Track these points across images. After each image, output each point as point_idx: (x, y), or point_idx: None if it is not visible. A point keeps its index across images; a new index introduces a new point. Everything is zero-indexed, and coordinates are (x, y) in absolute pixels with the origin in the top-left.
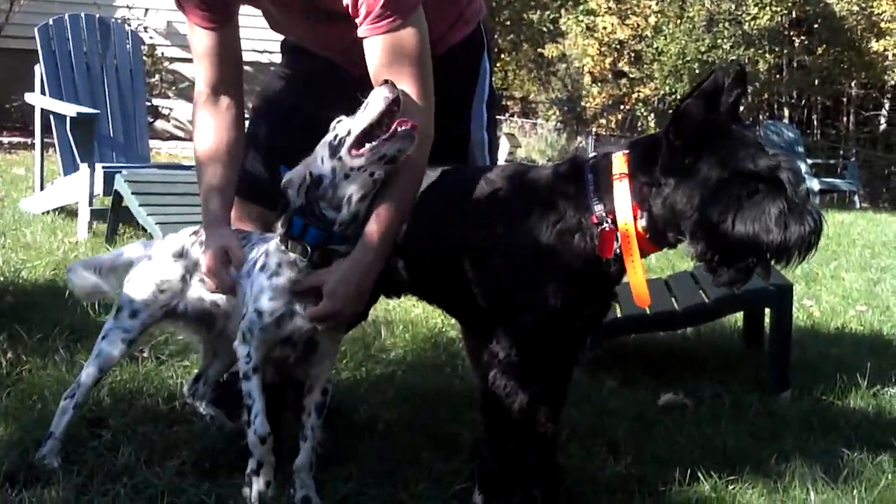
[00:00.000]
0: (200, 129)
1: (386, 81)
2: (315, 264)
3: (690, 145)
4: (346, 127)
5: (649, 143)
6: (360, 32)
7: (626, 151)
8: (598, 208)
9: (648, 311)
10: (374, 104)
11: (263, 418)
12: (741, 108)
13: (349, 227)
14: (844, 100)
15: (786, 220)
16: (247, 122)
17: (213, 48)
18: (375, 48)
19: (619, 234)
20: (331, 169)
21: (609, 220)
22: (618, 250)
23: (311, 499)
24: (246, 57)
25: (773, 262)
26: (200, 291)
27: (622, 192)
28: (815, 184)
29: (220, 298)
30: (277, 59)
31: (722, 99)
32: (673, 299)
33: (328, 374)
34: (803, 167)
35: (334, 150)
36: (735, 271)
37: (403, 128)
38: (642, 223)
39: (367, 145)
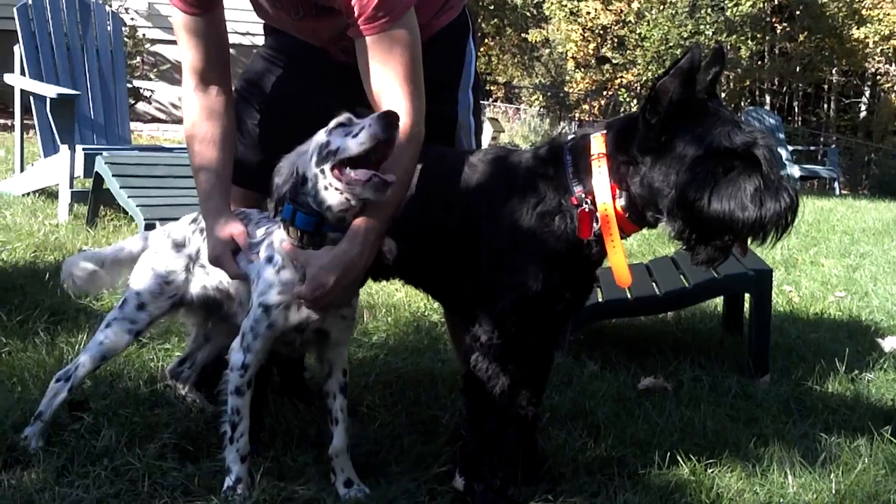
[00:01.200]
0: (191, 116)
1: (388, 115)
2: (305, 248)
3: (666, 123)
4: (338, 142)
5: (626, 122)
6: (352, 32)
7: (604, 132)
8: (578, 189)
9: (629, 296)
10: (365, 138)
11: (247, 438)
12: (721, 91)
13: (341, 222)
14: (825, 87)
15: (761, 197)
16: None
17: (199, 33)
18: (367, 48)
19: (598, 214)
20: (314, 175)
21: (588, 201)
22: (597, 231)
23: (353, 481)
24: (229, 39)
25: (749, 240)
26: (203, 279)
27: (600, 173)
28: (795, 170)
29: (224, 282)
30: (260, 41)
31: (699, 76)
32: (654, 284)
33: (345, 356)
34: (784, 154)
35: (321, 159)
36: (713, 249)
37: (376, 180)
38: (621, 202)
39: (347, 174)
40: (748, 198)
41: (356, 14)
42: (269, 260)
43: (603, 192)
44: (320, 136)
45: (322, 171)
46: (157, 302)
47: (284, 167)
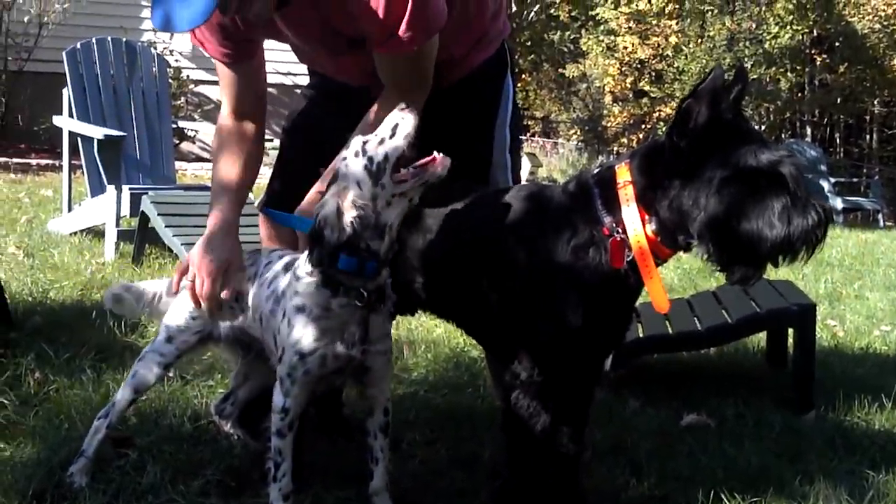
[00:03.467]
0: (220, 136)
1: (404, 106)
2: (368, 303)
3: (694, 145)
4: (382, 152)
5: (650, 148)
6: (369, 44)
7: (628, 160)
8: (608, 220)
9: (671, 331)
10: (405, 128)
11: (290, 478)
12: (761, 123)
13: (389, 254)
14: (867, 118)
15: (789, 215)
16: (276, 142)
17: (237, 81)
18: (388, 64)
19: (630, 243)
20: (372, 196)
21: (619, 230)
22: (630, 259)
23: None
24: (270, 79)
25: (779, 259)
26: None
27: (628, 201)
28: (838, 203)
29: (251, 325)
30: (301, 81)
31: (723, 97)
32: (695, 319)
33: (387, 393)
34: (826, 186)
35: (375, 176)
36: (746, 268)
37: (441, 157)
38: (652, 228)
39: (410, 170)
40: (776, 216)
41: (384, 30)
42: (301, 309)
43: (633, 220)
44: (356, 166)
45: (382, 187)
46: (183, 336)
47: (329, 215)
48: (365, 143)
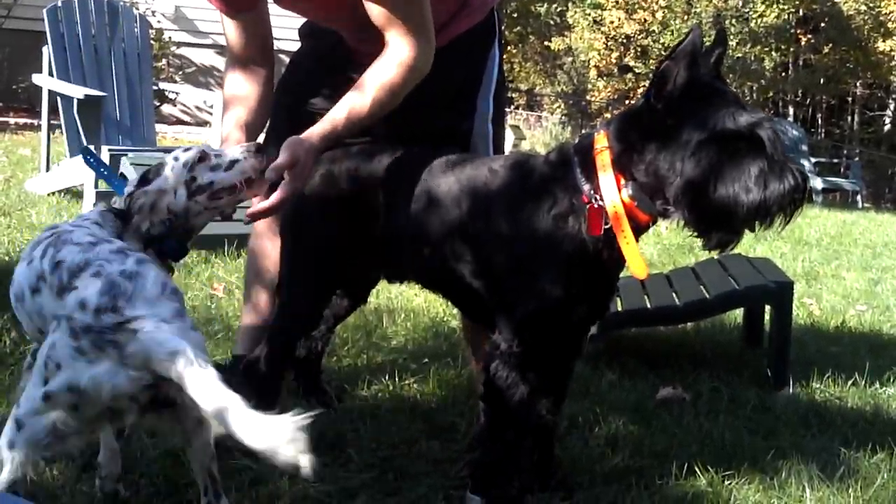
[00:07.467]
0: (228, 80)
1: (258, 149)
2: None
3: (672, 107)
4: (209, 177)
5: (626, 114)
6: None
7: (606, 128)
8: (587, 187)
9: (649, 306)
10: (242, 168)
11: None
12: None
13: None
14: (849, 99)
15: (765, 179)
16: None
17: (241, 30)
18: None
19: (606, 209)
20: (185, 208)
21: (597, 197)
22: (607, 226)
23: None
24: None
25: (755, 224)
26: None
27: (604, 166)
28: (818, 183)
29: None
30: (284, 45)
31: (701, 58)
32: (674, 294)
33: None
34: (807, 166)
35: (192, 193)
36: (723, 234)
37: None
38: (628, 192)
39: (226, 199)
40: (752, 180)
41: None
42: None
43: (608, 185)
44: (178, 177)
45: (196, 202)
46: None
47: (145, 203)
48: (198, 159)
